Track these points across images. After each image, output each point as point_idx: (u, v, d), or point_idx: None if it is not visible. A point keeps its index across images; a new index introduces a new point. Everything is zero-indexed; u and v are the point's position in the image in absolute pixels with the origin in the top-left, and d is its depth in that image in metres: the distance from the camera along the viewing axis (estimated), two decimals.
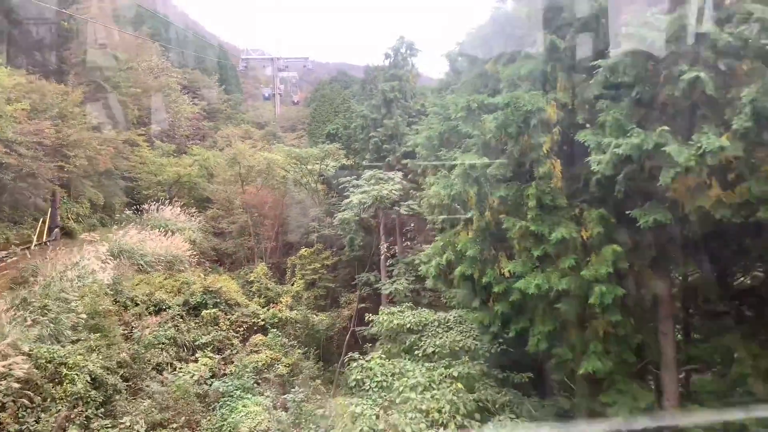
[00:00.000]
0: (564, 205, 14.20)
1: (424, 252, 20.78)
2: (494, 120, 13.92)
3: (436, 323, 21.42)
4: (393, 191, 28.39)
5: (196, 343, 28.10)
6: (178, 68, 61.70)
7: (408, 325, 21.52)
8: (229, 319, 31.23)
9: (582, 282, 13.30)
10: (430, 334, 20.87)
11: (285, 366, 27.24)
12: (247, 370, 25.89)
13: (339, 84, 68.39)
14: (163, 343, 25.61)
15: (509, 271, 14.73)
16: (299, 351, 30.55)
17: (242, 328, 31.50)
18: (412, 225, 32.11)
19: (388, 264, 31.78)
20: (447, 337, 19.92)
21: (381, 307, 27.14)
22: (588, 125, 13.75)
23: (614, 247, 13.03)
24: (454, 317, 21.45)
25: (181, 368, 24.73)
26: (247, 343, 30.53)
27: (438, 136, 17.29)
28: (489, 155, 14.93)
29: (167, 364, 24.85)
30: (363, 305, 34.48)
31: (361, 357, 19.97)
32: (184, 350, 26.68)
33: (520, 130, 13.93)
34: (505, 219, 14.66)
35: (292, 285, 38.61)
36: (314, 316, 34.81)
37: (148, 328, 26.15)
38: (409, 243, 32.98)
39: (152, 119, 47.89)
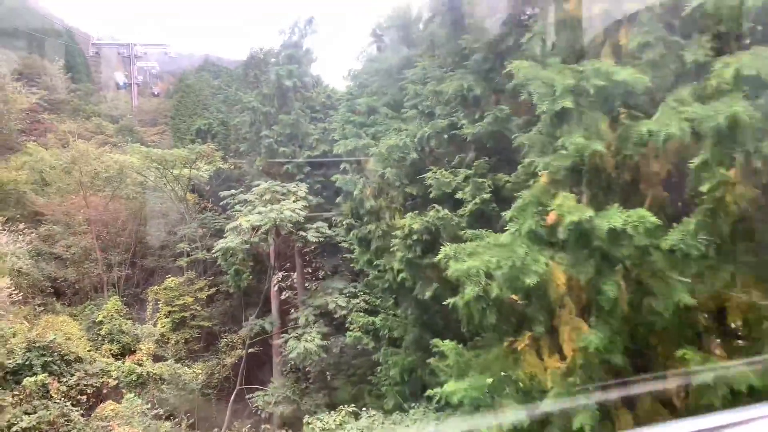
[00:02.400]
0: None
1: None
2: None
3: None
4: (297, 211, 21.19)
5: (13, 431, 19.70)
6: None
7: None
8: (66, 384, 22.77)
9: None
10: None
11: None
12: None
13: (207, 73, 60.33)
14: None
15: None
16: (166, 425, 22.62)
17: (86, 395, 23.11)
18: (320, 253, 25.07)
19: (287, 304, 24.46)
20: None
21: (272, 381, 19.84)
22: None
23: None
24: None
25: None
26: (92, 416, 22.33)
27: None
28: None
29: None
30: (252, 349, 27.02)
31: None
32: None
33: None
34: None
35: (156, 325, 30.06)
36: (186, 368, 26.70)
37: None
38: (316, 277, 25.86)
39: None
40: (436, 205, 12.43)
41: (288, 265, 27.78)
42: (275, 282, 26.93)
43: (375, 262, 15.37)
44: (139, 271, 33.98)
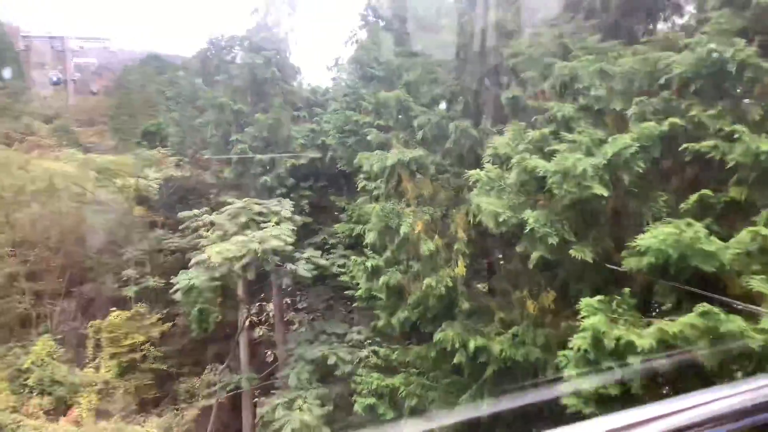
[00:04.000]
0: None
1: None
2: None
3: None
4: (284, 237, 16.41)
5: None
6: None
7: None
8: None
9: None
10: None
11: None
12: None
13: (152, 68, 56.02)
14: None
15: None
16: None
17: None
18: (308, 284, 20.27)
19: (263, 344, 19.64)
20: None
21: None
22: None
23: None
24: None
25: None
26: None
27: None
28: None
29: None
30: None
31: None
32: None
33: None
34: None
35: (98, 370, 24.84)
36: (137, 427, 21.75)
37: None
38: (304, 320, 21.05)
39: None
40: None
41: (262, 295, 22.97)
42: (245, 316, 22.10)
43: (422, 328, 10.93)
44: (77, 302, 28.34)
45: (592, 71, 7.07)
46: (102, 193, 28.74)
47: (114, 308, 25.88)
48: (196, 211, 18.93)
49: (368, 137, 11.84)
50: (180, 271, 17.30)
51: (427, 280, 9.08)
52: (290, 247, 16.66)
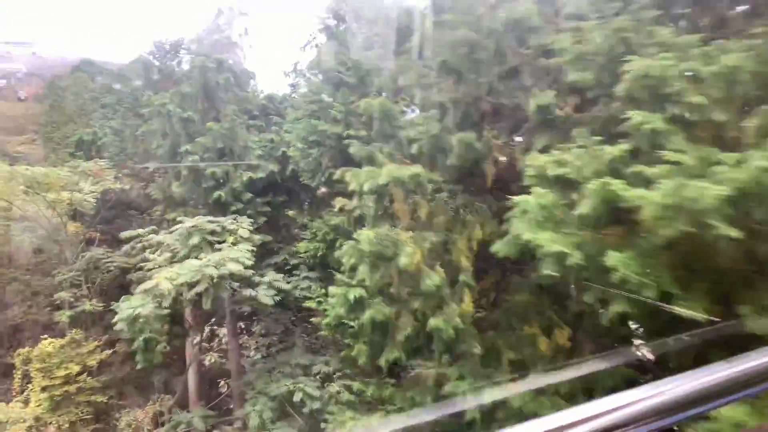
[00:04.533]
0: None
1: None
2: None
3: None
4: (242, 259, 14.82)
5: None
6: None
7: None
8: None
9: None
10: None
11: None
12: None
13: (85, 74, 52.27)
14: None
15: None
16: None
17: None
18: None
19: (214, 374, 17.92)
20: None
21: None
22: None
23: None
24: None
25: None
26: None
27: None
28: None
29: None
30: None
31: None
32: None
33: None
34: None
35: (27, 404, 22.51)
36: None
37: None
38: (261, 347, 19.35)
39: None
40: None
41: (213, 319, 21.20)
42: (196, 342, 20.28)
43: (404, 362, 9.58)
44: (1, 328, 25.74)
45: (680, 72, 5.94)
46: (31, 209, 26.20)
47: (45, 335, 23.49)
48: (140, 231, 17.05)
49: (349, 149, 10.47)
50: (122, 297, 15.44)
51: (432, 322, 7.74)
52: (249, 271, 15.11)
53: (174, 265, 14.72)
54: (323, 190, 16.87)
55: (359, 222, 10.19)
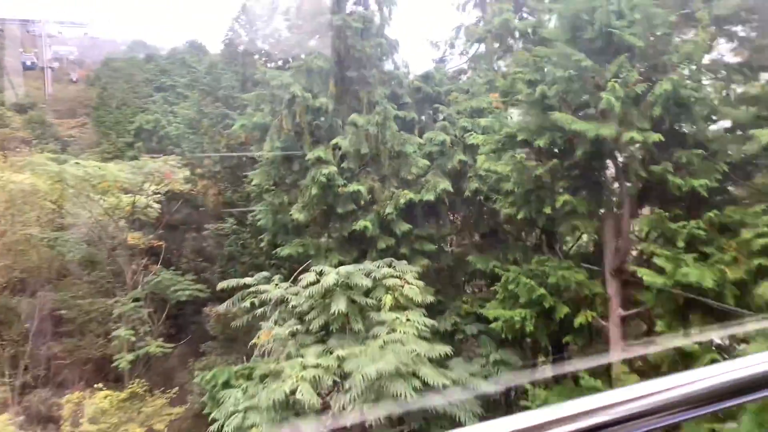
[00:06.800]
0: None
1: None
2: None
3: None
4: (421, 346, 8.85)
5: None
6: None
7: None
8: None
9: None
10: None
11: None
12: None
13: (139, 57, 49.59)
14: None
15: None
16: None
17: None
18: None
19: None
20: None
21: None
22: None
23: None
24: None
25: None
26: None
27: None
28: None
29: None
30: None
31: None
32: None
33: None
34: None
35: None
36: None
37: None
38: None
39: None
40: None
41: None
42: None
43: None
44: (44, 368, 20.59)
45: None
46: (83, 213, 21.02)
47: (98, 384, 18.26)
48: (249, 280, 11.26)
49: None
50: (223, 391, 9.72)
51: None
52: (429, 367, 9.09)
53: (310, 351, 8.96)
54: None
55: None
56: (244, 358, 18.52)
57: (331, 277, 10.01)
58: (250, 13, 17.76)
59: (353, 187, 12.48)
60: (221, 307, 12.37)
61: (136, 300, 19.10)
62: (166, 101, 30.53)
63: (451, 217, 14.52)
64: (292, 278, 10.95)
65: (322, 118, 13.33)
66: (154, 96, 36.16)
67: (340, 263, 11.60)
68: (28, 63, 66.70)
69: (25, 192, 19.63)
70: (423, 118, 14.90)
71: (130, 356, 18.03)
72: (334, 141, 12.80)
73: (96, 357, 20.47)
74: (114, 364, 18.38)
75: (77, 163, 20.67)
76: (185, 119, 20.48)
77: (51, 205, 21.42)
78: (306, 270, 10.83)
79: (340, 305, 9.75)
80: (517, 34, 15.20)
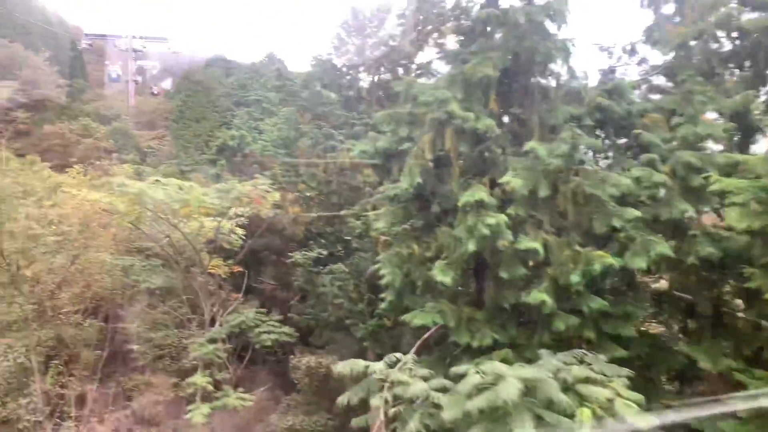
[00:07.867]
0: None
1: None
2: None
3: None
4: None
5: None
6: None
7: None
8: None
9: None
10: None
11: None
12: None
13: (218, 71, 51.43)
14: None
15: None
16: None
17: None
18: None
19: None
20: None
21: None
22: None
23: None
24: None
25: None
26: None
27: None
28: None
29: None
30: None
31: None
32: None
33: None
34: None
35: None
36: None
37: None
38: None
39: None
40: None
41: None
42: None
43: None
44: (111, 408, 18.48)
45: None
46: (160, 237, 19.07)
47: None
48: (376, 366, 8.30)
49: None
50: None
51: None
52: None
53: None
54: None
55: None
56: (336, 420, 15.82)
57: (511, 387, 6.88)
58: (358, 19, 15.36)
59: (526, 243, 9.35)
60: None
61: (213, 341, 16.76)
62: (251, 117, 28.62)
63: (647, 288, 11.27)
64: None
65: (481, 146, 10.28)
66: (235, 110, 34.66)
67: (496, 344, 8.65)
68: (114, 76, 70.03)
69: (101, 213, 17.80)
70: (608, 146, 11.61)
71: (205, 408, 15.61)
72: (504, 178, 9.58)
73: (168, 400, 18.29)
74: (187, 416, 16.01)
75: (157, 180, 18.68)
76: (279, 137, 18.23)
77: (128, 226, 19.58)
78: (452, 354, 7.79)
79: (521, 426, 6.58)
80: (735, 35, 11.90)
